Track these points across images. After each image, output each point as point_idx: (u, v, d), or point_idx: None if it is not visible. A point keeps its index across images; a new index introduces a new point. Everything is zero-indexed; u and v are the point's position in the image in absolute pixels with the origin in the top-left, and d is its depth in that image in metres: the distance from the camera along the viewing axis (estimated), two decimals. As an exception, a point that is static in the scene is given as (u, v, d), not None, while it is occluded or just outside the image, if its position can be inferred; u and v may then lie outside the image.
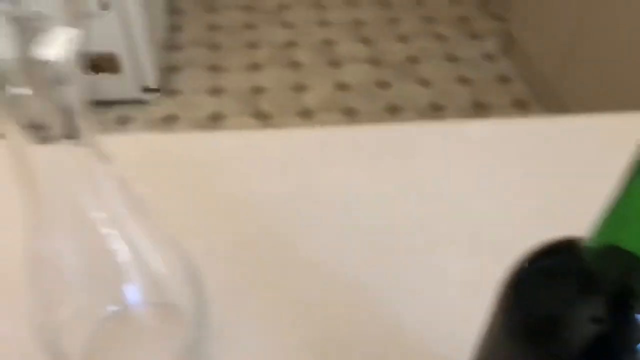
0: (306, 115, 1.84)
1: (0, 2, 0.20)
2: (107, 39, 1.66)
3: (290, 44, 2.13)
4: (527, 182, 0.50)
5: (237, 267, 0.43)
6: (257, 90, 1.91)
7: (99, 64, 1.72)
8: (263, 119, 1.82)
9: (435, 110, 1.86)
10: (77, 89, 0.23)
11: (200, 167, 0.50)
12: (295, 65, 2.03)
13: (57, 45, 0.21)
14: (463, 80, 1.98)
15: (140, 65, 1.75)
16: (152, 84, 1.82)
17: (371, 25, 2.23)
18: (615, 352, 0.22)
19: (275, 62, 2.04)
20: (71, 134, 0.24)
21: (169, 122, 1.80)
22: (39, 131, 0.23)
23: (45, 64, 0.21)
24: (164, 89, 1.87)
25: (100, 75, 1.74)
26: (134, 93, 1.80)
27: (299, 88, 1.93)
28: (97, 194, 0.28)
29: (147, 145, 0.53)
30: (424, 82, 1.97)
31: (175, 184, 0.48)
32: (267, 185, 0.49)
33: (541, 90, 1.85)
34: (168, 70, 1.96)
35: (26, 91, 0.22)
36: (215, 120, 1.81)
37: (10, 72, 0.21)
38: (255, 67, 2.01)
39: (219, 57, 2.04)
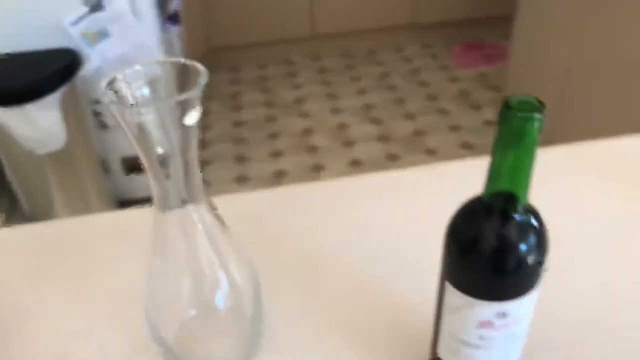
0: (326, 191, 2.03)
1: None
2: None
3: (308, 131, 2.37)
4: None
5: (288, 282, 0.60)
6: (280, 175, 2.13)
7: (134, 165, 1.94)
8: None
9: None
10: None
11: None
12: (313, 149, 2.25)
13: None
14: (467, 147, 2.17)
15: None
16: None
17: (379, 108, 2.47)
18: (507, 247, 0.38)
19: (295, 148, 2.27)
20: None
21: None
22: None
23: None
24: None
25: (135, 175, 1.95)
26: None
27: (317, 168, 2.14)
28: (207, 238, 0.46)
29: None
30: (431, 152, 2.16)
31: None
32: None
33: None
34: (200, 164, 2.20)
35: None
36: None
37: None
38: (277, 154, 2.24)
39: (244, 149, 2.29)
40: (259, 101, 2.61)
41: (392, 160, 2.14)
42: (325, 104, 2.55)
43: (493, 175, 0.36)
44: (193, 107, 0.39)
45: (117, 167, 1.92)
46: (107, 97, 0.38)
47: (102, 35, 1.73)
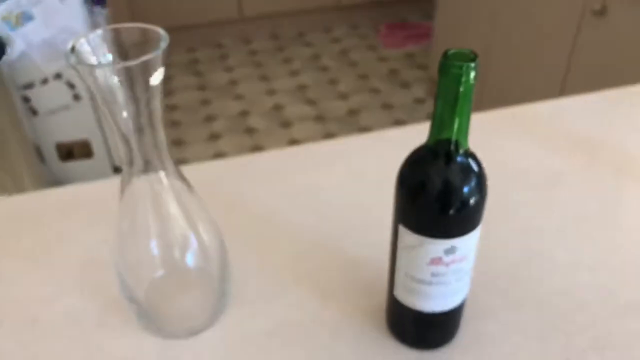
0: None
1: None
2: (82, 127, 1.87)
3: (244, 113, 2.37)
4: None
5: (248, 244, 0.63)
6: (218, 156, 2.13)
7: (74, 150, 1.92)
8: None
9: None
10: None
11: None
12: (250, 130, 2.27)
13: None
14: (399, 123, 2.24)
15: (110, 148, 1.96)
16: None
17: (313, 88, 2.51)
18: (451, 188, 0.42)
19: (232, 130, 2.27)
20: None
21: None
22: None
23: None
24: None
25: (71, 162, 1.92)
26: (106, 173, 2.00)
27: (256, 148, 2.16)
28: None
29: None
30: (365, 130, 2.22)
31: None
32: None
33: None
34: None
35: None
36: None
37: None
38: (214, 136, 2.24)
39: (180, 133, 2.27)
40: (191, 84, 2.58)
41: (329, 139, 2.18)
42: (259, 86, 2.56)
43: (436, 123, 0.41)
44: (156, 68, 0.41)
45: (51, 153, 1.87)
46: (72, 60, 0.39)
47: (25, 18, 1.67)
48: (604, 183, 0.70)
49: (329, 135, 2.21)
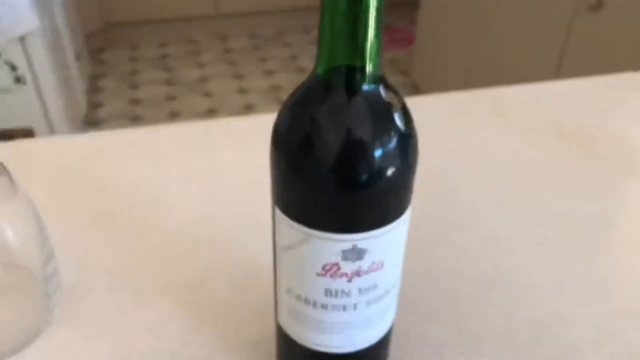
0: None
1: None
2: (25, 114, 1.69)
3: (211, 110, 2.20)
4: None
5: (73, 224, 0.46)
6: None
7: (16, 138, 1.73)
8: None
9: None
10: None
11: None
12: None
13: None
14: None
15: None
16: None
17: (287, 89, 2.34)
18: (356, 143, 0.25)
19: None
20: None
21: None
22: None
23: None
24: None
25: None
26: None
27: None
28: None
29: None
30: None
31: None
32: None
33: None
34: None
35: None
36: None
37: None
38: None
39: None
40: (159, 79, 2.41)
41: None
42: (230, 84, 2.39)
43: (331, 34, 0.24)
44: None
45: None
46: None
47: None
48: (599, 178, 0.54)
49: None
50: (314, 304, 0.28)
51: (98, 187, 0.51)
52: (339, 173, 0.25)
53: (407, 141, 0.26)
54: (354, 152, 0.25)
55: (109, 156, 0.55)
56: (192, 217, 0.48)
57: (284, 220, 0.27)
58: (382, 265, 0.28)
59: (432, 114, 0.62)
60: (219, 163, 0.55)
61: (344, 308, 0.28)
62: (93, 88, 2.31)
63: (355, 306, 0.28)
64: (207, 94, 2.31)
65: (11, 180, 0.36)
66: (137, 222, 0.47)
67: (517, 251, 0.46)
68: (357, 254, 0.26)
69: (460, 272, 0.43)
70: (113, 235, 0.46)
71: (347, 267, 0.27)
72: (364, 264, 0.27)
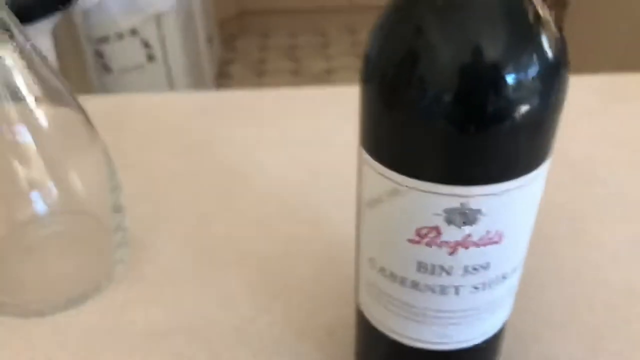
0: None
1: None
2: (152, 91, 1.76)
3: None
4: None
5: (155, 181, 0.42)
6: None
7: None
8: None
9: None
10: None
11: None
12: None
13: None
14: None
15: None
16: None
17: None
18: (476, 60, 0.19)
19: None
20: None
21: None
22: None
23: None
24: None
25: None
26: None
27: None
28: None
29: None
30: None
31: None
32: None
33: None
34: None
35: None
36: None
37: None
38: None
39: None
40: (285, 69, 2.43)
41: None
42: (356, 78, 2.34)
43: None
44: None
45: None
46: None
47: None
48: None
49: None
50: (402, 282, 0.21)
51: (188, 147, 0.47)
52: (456, 101, 0.17)
53: (557, 62, 0.18)
54: (479, 72, 0.17)
55: (206, 117, 0.52)
56: (280, 184, 0.42)
57: (371, 166, 0.20)
58: (500, 238, 0.20)
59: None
60: (320, 131, 0.49)
61: (442, 290, 0.21)
62: (222, 73, 2.37)
63: (457, 290, 0.21)
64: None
65: (91, 130, 0.33)
66: (221, 186, 0.43)
67: (682, 261, 0.35)
68: (466, 216, 0.19)
69: (600, 278, 0.34)
70: (194, 197, 0.42)
71: (451, 234, 0.19)
72: (475, 231, 0.19)
